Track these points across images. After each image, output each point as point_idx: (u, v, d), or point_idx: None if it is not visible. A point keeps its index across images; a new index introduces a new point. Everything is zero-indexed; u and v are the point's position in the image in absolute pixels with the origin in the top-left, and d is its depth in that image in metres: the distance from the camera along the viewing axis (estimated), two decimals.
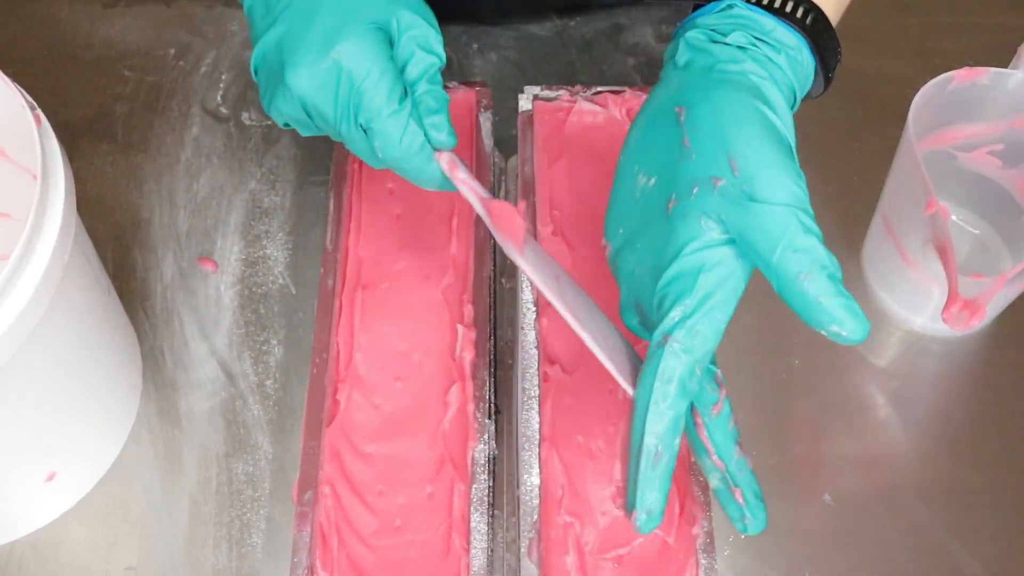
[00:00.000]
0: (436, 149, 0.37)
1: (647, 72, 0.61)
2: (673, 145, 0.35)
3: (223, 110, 0.58)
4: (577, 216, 0.45)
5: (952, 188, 0.52)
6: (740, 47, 0.36)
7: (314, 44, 0.36)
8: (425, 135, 0.37)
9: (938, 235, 0.44)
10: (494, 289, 0.47)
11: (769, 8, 0.37)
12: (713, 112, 0.34)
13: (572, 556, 0.38)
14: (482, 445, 0.40)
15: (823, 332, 0.31)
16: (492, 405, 0.43)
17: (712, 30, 0.37)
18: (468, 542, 0.38)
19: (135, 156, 0.57)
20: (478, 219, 0.45)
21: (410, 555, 0.38)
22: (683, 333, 0.32)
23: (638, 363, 0.35)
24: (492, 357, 0.44)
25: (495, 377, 0.45)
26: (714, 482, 0.34)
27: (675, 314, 0.32)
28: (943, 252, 0.43)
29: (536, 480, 0.39)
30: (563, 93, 0.48)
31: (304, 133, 0.39)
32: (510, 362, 0.48)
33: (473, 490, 0.39)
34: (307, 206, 0.55)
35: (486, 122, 0.47)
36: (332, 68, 0.36)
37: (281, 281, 0.53)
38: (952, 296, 0.43)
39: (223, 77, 0.60)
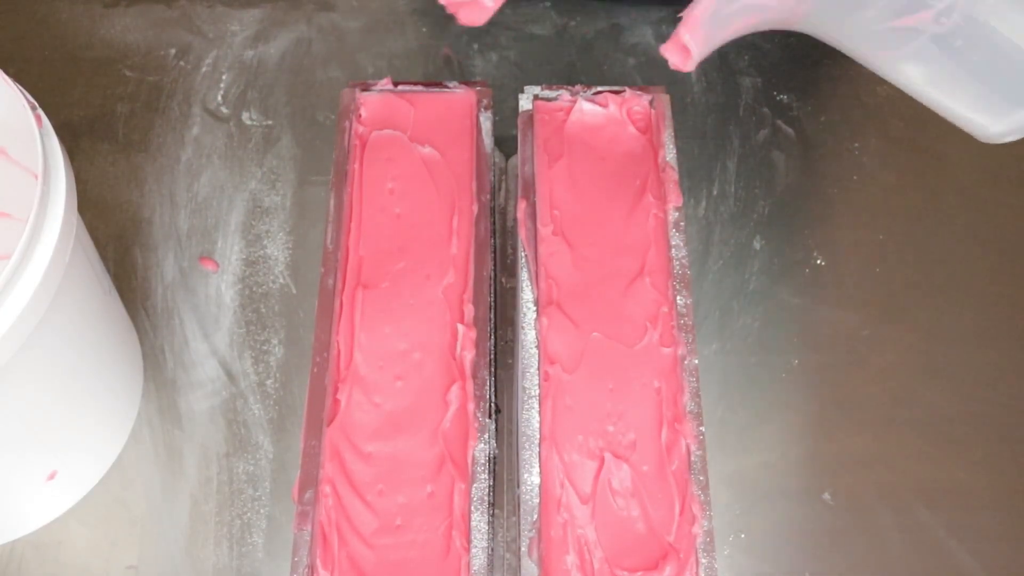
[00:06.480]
0: None
1: (647, 72, 0.61)
2: None
3: (223, 110, 0.59)
4: (577, 216, 0.45)
5: None
6: None
7: None
8: None
9: None
10: (494, 288, 0.47)
11: None
12: None
13: (572, 555, 0.38)
14: (482, 444, 0.40)
15: None
16: (492, 404, 0.43)
17: None
18: (468, 541, 0.38)
19: (136, 156, 0.57)
20: (478, 218, 0.45)
21: (410, 554, 0.38)
22: None
23: None
24: (492, 356, 0.44)
25: (495, 376, 0.45)
26: None
27: None
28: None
29: (536, 479, 0.39)
30: (563, 93, 0.48)
31: None
32: (510, 361, 0.49)
33: (473, 489, 0.39)
34: (307, 206, 0.55)
35: (486, 122, 0.47)
36: None
37: (282, 281, 0.53)
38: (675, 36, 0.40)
39: (223, 77, 0.60)
